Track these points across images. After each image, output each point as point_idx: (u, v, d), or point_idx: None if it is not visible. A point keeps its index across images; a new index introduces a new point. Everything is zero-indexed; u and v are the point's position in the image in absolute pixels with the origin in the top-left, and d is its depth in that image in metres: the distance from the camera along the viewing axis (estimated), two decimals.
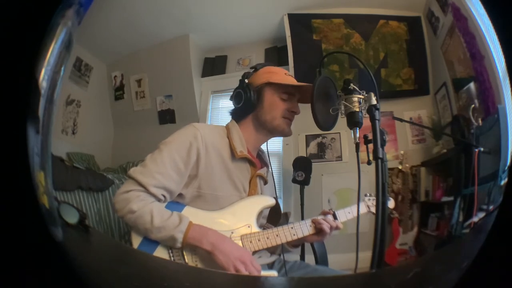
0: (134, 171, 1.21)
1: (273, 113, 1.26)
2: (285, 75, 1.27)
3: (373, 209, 1.25)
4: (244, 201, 1.26)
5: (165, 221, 1.19)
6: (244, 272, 1.19)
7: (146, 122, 1.37)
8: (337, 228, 1.26)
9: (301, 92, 1.27)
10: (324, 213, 1.27)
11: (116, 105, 1.36)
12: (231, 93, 1.29)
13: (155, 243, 1.20)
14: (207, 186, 1.23)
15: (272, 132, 1.28)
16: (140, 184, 1.20)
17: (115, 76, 1.34)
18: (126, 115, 1.36)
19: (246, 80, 1.26)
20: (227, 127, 1.29)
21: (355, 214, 1.26)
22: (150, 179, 1.20)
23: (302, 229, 1.25)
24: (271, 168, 1.30)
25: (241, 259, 1.20)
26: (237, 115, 1.28)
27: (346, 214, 1.27)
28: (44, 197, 1.25)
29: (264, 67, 1.27)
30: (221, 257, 1.19)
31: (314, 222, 1.26)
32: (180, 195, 1.23)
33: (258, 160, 1.31)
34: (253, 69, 1.27)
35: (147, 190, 1.20)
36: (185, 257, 1.20)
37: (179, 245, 1.19)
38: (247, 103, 1.25)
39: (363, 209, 1.25)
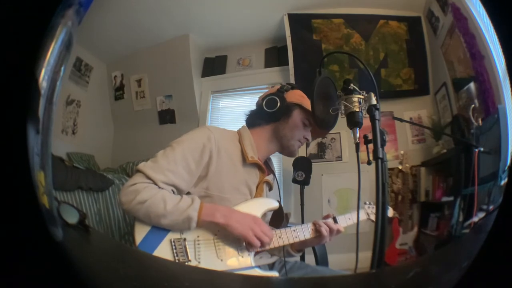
0: (144, 166, 1.21)
1: (293, 133, 1.28)
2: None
3: (373, 217, 1.26)
4: (248, 202, 1.26)
5: (178, 204, 1.19)
6: (259, 233, 1.21)
7: (146, 122, 1.37)
8: (338, 232, 1.27)
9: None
10: (326, 217, 1.28)
11: (116, 105, 1.36)
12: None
13: (159, 238, 1.19)
14: (215, 187, 1.24)
15: (284, 148, 1.30)
16: (149, 178, 1.20)
17: (115, 76, 1.34)
18: (126, 115, 1.35)
19: (285, 93, 1.28)
20: (239, 132, 1.30)
21: (355, 221, 1.27)
22: (160, 175, 1.20)
23: (304, 232, 1.26)
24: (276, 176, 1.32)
25: (255, 221, 1.22)
26: (255, 120, 1.30)
27: (346, 220, 1.29)
28: (44, 197, 1.25)
29: (298, 90, 1.30)
30: (237, 225, 1.21)
31: (315, 225, 1.26)
32: (187, 193, 1.24)
33: (266, 167, 1.32)
34: (291, 87, 1.29)
35: (155, 184, 1.20)
36: (188, 252, 1.20)
37: (194, 224, 1.19)
38: (278, 112, 1.27)
39: (362, 216, 1.26)
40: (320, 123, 1.27)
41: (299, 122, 1.28)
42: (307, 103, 1.28)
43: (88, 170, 1.31)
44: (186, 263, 1.19)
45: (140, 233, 1.19)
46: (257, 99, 1.30)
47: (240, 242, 1.22)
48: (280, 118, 1.28)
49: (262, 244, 1.21)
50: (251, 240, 1.21)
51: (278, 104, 1.27)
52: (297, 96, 1.29)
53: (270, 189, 1.32)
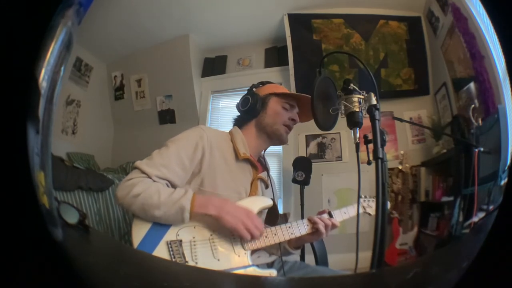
0: (140, 163, 1.24)
1: (275, 119, 1.31)
2: (287, 90, 1.32)
3: (369, 210, 1.27)
4: (243, 201, 1.27)
5: (172, 194, 1.21)
6: (251, 226, 1.21)
7: (146, 122, 1.37)
8: (333, 226, 1.27)
9: (301, 105, 1.31)
10: (321, 213, 1.28)
11: (116, 105, 1.36)
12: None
13: (156, 240, 1.20)
14: (209, 184, 1.26)
15: (271, 136, 1.31)
16: (144, 172, 1.23)
17: (115, 76, 1.34)
18: (126, 115, 1.36)
19: (254, 89, 1.32)
20: (231, 132, 1.32)
21: (351, 214, 1.28)
22: (154, 170, 1.23)
23: (299, 228, 1.26)
24: (270, 173, 1.34)
25: (247, 215, 1.23)
26: (241, 121, 1.33)
27: (342, 215, 1.29)
28: (44, 197, 1.25)
29: (271, 84, 1.34)
30: (229, 218, 1.22)
31: (310, 221, 1.27)
32: None
33: (259, 164, 1.33)
34: (261, 84, 1.33)
35: (150, 178, 1.22)
36: (185, 253, 1.20)
37: (187, 214, 1.20)
38: (252, 108, 1.30)
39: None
40: (320, 124, 1.27)
41: (278, 108, 1.31)
42: (280, 89, 1.31)
43: (88, 170, 1.31)
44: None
45: (138, 236, 1.20)
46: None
47: (233, 236, 1.23)
48: (258, 112, 1.31)
49: (253, 237, 1.22)
50: (242, 233, 1.22)
51: (250, 102, 1.30)
52: (270, 88, 1.32)
53: (266, 187, 1.33)
